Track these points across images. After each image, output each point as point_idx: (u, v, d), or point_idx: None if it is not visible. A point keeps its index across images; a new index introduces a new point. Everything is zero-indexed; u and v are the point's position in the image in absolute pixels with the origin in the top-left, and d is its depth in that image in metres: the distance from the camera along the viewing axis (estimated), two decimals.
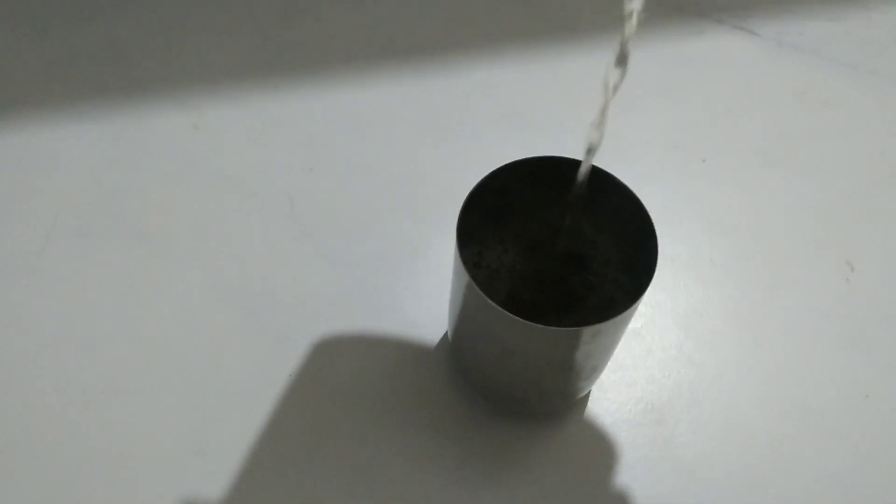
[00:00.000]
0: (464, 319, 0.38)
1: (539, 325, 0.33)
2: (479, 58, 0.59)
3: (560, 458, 0.43)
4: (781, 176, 0.54)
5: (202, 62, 0.57)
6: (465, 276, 0.35)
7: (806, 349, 0.47)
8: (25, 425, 0.43)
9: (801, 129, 0.57)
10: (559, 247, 0.39)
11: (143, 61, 0.57)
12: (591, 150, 0.34)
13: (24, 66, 0.57)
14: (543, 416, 0.44)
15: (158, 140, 0.54)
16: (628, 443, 0.44)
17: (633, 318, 0.47)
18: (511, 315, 0.33)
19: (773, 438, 0.44)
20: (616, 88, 0.31)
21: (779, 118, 0.58)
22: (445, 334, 0.46)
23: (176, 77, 0.56)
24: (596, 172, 0.37)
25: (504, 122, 0.56)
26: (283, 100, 0.56)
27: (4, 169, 0.52)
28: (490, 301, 0.33)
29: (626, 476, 0.43)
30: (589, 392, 0.45)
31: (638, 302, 0.34)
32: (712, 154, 0.55)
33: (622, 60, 0.31)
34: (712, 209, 0.53)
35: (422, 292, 0.48)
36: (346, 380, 0.45)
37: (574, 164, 0.37)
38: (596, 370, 0.41)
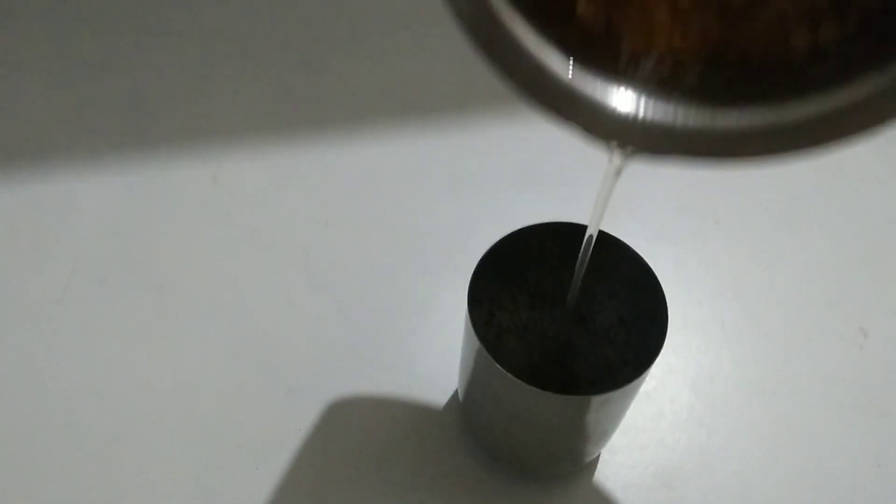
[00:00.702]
0: (472, 381, 0.38)
1: (547, 393, 0.33)
2: (495, 115, 0.60)
3: None
4: (795, 238, 0.55)
5: (223, 116, 0.59)
6: (475, 339, 0.35)
7: (817, 415, 0.47)
8: (37, 472, 0.43)
9: (815, 191, 0.57)
10: (570, 309, 0.39)
11: (165, 113, 0.58)
12: (589, 242, 0.35)
13: (46, 115, 0.58)
14: (553, 479, 0.44)
15: (178, 192, 0.55)
16: None
17: (644, 381, 0.47)
18: (519, 381, 0.33)
19: None
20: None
21: (793, 180, 0.58)
22: (456, 392, 0.46)
23: (197, 130, 0.58)
24: (607, 239, 0.37)
25: (519, 178, 0.56)
26: (301, 154, 0.57)
27: (26, 217, 0.53)
28: (498, 366, 0.34)
29: None
30: (599, 455, 0.45)
31: (647, 372, 0.34)
32: (725, 216, 0.55)
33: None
34: (725, 271, 0.53)
35: (434, 348, 0.48)
36: (355, 436, 0.45)
37: (582, 230, 0.38)
38: (605, 435, 0.41)
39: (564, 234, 0.39)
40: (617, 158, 0.29)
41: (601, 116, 0.26)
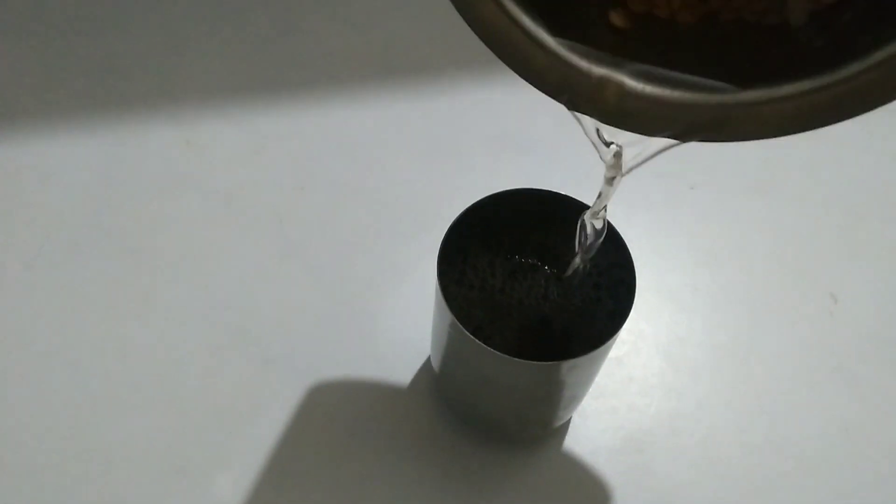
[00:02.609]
0: (443, 347, 0.39)
1: (515, 359, 0.33)
2: (472, 79, 0.59)
3: (540, 484, 0.43)
4: (768, 205, 0.55)
5: (197, 79, 0.58)
6: (444, 306, 0.35)
7: (787, 380, 0.48)
8: (9, 438, 0.43)
9: (789, 158, 0.57)
10: (542, 276, 0.39)
11: (138, 77, 0.58)
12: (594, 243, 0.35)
13: (17, 79, 0.57)
14: (524, 443, 0.44)
15: (151, 156, 0.54)
16: (608, 470, 0.44)
17: (616, 346, 0.48)
18: (487, 348, 0.33)
19: (753, 469, 0.45)
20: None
21: (767, 147, 0.58)
22: (429, 358, 0.46)
23: (170, 93, 0.57)
24: (576, 204, 0.37)
25: (495, 144, 0.56)
26: (275, 118, 0.56)
27: None
28: (467, 332, 0.34)
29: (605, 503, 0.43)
30: (570, 419, 0.45)
31: (614, 338, 0.35)
32: (700, 182, 0.55)
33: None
34: (698, 237, 0.53)
35: (408, 314, 0.48)
36: (328, 401, 0.45)
37: (558, 198, 0.38)
38: (575, 399, 0.41)
39: (538, 200, 0.39)
40: (609, 155, 0.29)
41: (594, 91, 0.26)
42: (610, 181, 0.31)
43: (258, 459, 0.43)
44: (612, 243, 0.37)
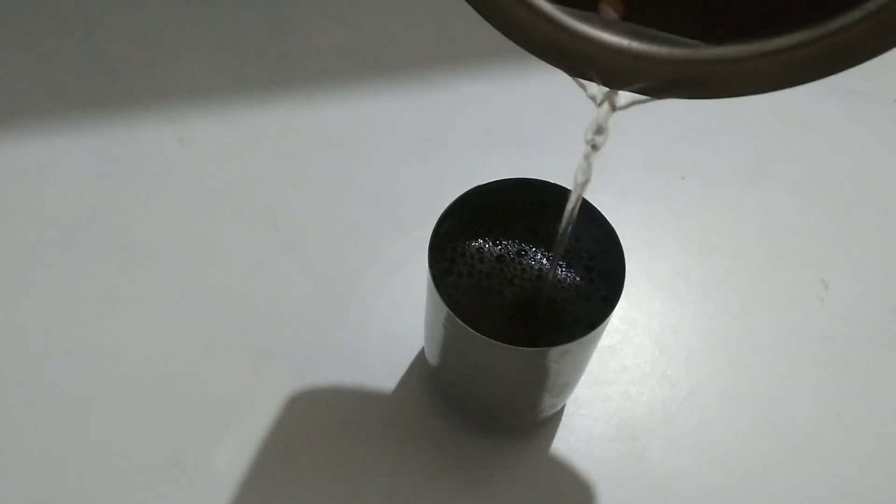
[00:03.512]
0: (437, 337, 0.39)
1: (507, 345, 0.34)
2: (463, 74, 0.59)
3: (534, 472, 0.44)
4: (759, 194, 0.55)
5: (189, 76, 0.58)
6: (436, 295, 0.35)
7: (778, 367, 0.48)
8: (5, 435, 0.43)
9: (780, 147, 0.58)
10: (532, 265, 0.39)
11: (131, 75, 0.58)
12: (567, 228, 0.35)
13: (10, 78, 0.57)
14: (518, 431, 0.45)
15: (144, 153, 0.54)
16: (602, 458, 0.44)
17: (608, 335, 0.48)
18: (478, 335, 0.34)
19: (745, 455, 0.45)
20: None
21: (758, 137, 0.58)
22: (423, 349, 0.46)
23: (163, 91, 0.57)
24: (563, 192, 0.38)
25: (487, 137, 0.56)
26: (268, 114, 0.57)
27: None
28: (458, 320, 0.34)
29: (599, 491, 0.43)
30: (563, 407, 0.45)
31: (603, 325, 0.35)
32: (691, 172, 0.56)
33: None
34: (690, 227, 0.53)
35: (402, 306, 0.48)
36: (323, 393, 0.45)
37: (547, 186, 0.38)
38: (568, 387, 0.41)
39: (527, 189, 0.39)
40: (604, 102, 0.29)
41: (594, 50, 0.26)
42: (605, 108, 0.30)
43: (253, 452, 0.43)
44: (602, 229, 0.38)
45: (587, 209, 0.38)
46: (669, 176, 0.56)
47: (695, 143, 0.58)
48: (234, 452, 0.43)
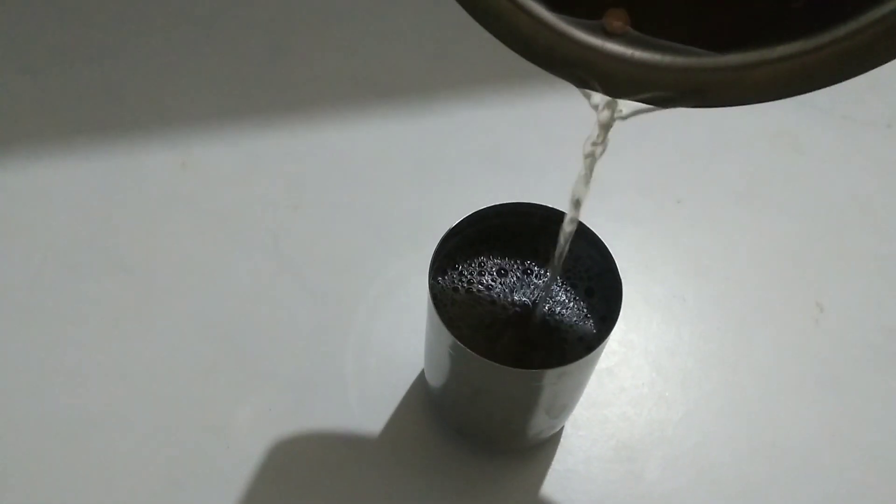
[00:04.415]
0: (436, 358, 0.39)
1: (505, 367, 0.34)
2: (461, 99, 0.60)
3: (533, 493, 0.44)
4: (754, 217, 0.56)
5: (191, 102, 0.59)
6: (436, 318, 0.36)
7: (774, 389, 0.48)
8: (8, 457, 0.44)
9: (774, 171, 0.59)
10: (530, 288, 0.40)
11: (134, 101, 0.59)
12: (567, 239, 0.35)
13: (16, 104, 0.58)
14: (517, 452, 0.45)
15: (148, 178, 0.55)
16: (600, 479, 0.45)
17: (606, 357, 0.49)
18: (478, 356, 0.34)
19: (741, 476, 0.45)
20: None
21: (753, 161, 0.59)
22: (423, 371, 0.47)
23: (165, 116, 0.58)
24: (561, 216, 0.38)
25: (484, 161, 0.57)
26: (269, 139, 0.57)
27: None
28: (458, 342, 0.35)
29: None
30: (562, 428, 0.46)
31: (601, 346, 0.35)
32: (686, 196, 0.56)
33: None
34: (686, 249, 0.54)
35: (401, 328, 0.49)
36: (323, 414, 0.46)
37: (547, 211, 0.39)
38: (566, 409, 0.42)
39: (526, 213, 0.40)
40: (605, 111, 0.29)
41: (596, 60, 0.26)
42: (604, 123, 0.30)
43: (253, 473, 0.44)
44: (597, 251, 0.38)
45: (581, 230, 0.38)
46: (664, 199, 0.56)
47: (690, 167, 0.58)
48: (234, 473, 0.44)
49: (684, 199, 0.56)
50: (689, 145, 0.59)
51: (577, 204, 0.33)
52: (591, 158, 0.31)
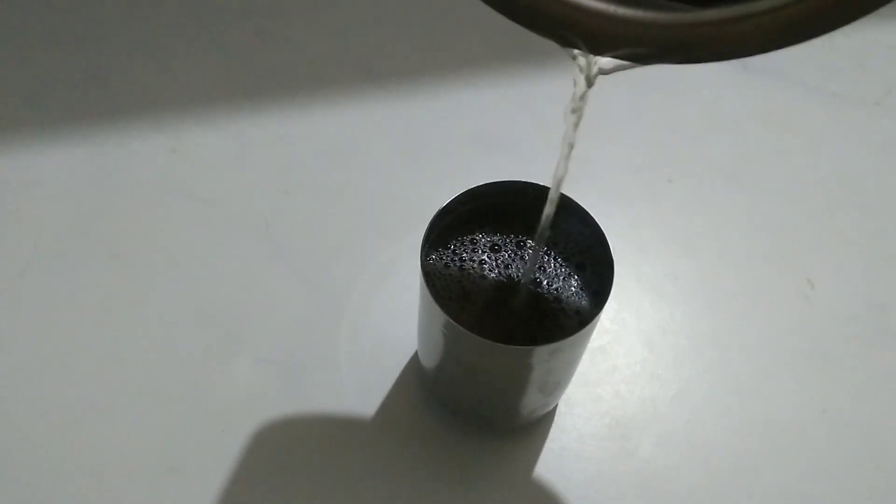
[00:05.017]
0: (429, 338, 0.39)
1: (498, 344, 0.34)
2: (451, 81, 0.60)
3: (527, 471, 0.44)
4: (745, 196, 0.56)
5: (180, 87, 0.59)
6: (429, 297, 0.36)
7: (765, 365, 0.49)
8: (2, 445, 0.44)
9: (764, 150, 0.59)
10: (523, 267, 0.40)
11: (122, 86, 0.59)
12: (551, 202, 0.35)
13: (3, 91, 0.58)
14: (511, 431, 0.45)
15: (137, 163, 0.55)
16: (594, 457, 0.45)
17: (599, 335, 0.49)
18: (470, 334, 0.34)
19: (734, 452, 0.46)
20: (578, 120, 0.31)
21: (743, 139, 0.59)
22: (416, 353, 0.47)
23: (154, 102, 0.58)
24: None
25: (475, 144, 0.57)
26: (259, 123, 0.57)
27: None
28: (451, 320, 0.35)
29: (592, 489, 0.44)
30: (556, 407, 0.46)
31: (592, 323, 0.35)
32: (678, 175, 0.57)
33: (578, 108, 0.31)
34: (677, 229, 0.54)
35: (394, 310, 0.49)
36: (318, 397, 0.46)
37: (539, 189, 0.39)
38: (559, 386, 0.42)
39: (517, 191, 0.40)
40: (584, 72, 0.29)
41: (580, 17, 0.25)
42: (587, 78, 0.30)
43: (249, 456, 0.44)
44: (587, 226, 0.38)
45: (569, 206, 0.38)
46: (655, 179, 0.56)
47: (680, 147, 0.59)
48: (229, 457, 0.44)
49: (675, 179, 0.56)
50: (680, 125, 0.60)
51: (570, 148, 0.33)
52: (578, 114, 0.31)
